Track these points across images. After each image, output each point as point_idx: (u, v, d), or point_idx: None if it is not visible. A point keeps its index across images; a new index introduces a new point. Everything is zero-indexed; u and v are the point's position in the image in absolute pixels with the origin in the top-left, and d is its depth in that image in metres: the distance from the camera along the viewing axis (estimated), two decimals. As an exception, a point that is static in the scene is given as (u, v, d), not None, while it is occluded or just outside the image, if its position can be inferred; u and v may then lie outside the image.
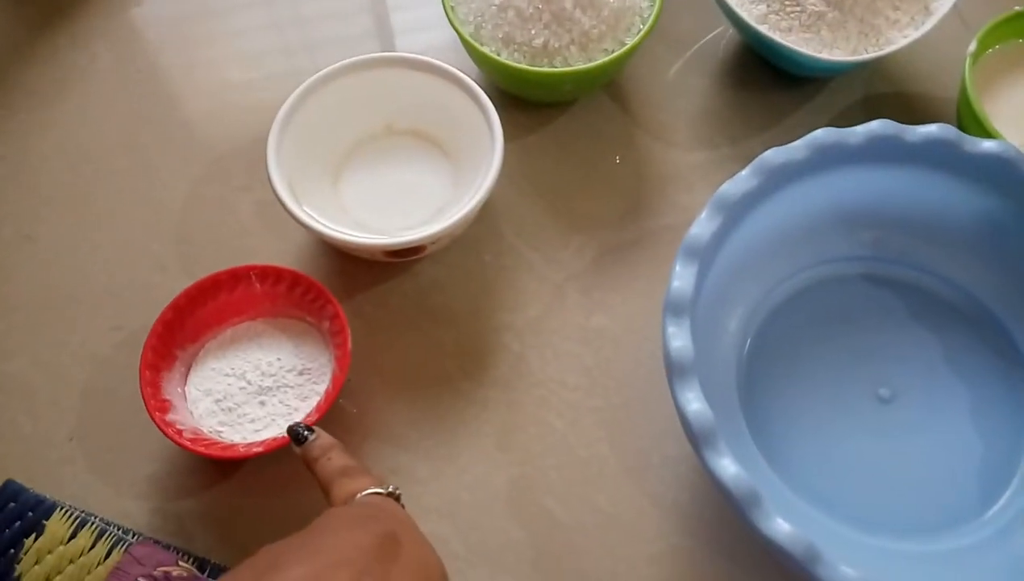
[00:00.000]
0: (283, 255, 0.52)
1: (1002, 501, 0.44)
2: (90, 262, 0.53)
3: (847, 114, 0.57)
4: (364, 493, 0.34)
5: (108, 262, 0.53)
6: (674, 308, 0.42)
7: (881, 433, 0.46)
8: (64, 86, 0.60)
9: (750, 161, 0.45)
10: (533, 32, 0.51)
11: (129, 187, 0.56)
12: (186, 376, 0.47)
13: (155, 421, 0.43)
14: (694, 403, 0.39)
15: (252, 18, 0.65)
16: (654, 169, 0.55)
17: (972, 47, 0.51)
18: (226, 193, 0.55)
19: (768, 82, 0.58)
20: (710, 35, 0.60)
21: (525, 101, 0.57)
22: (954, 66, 0.53)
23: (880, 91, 0.58)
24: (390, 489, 0.34)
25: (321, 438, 0.37)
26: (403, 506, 0.35)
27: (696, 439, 0.39)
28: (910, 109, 0.57)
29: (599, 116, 0.57)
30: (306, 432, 0.38)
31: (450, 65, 0.51)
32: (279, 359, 0.47)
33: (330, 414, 0.44)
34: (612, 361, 0.50)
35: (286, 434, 0.39)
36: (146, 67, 0.61)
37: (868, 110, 0.57)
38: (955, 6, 0.53)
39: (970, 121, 0.50)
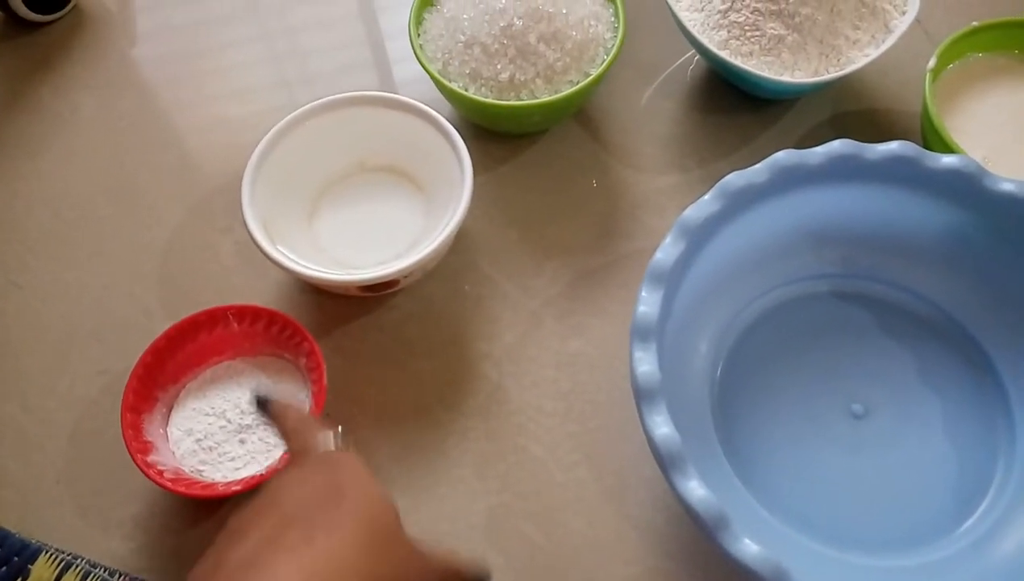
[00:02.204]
0: (263, 293, 0.53)
1: (976, 515, 0.44)
2: (76, 307, 0.54)
3: (815, 133, 0.57)
4: (317, 450, 0.35)
5: (93, 307, 0.54)
6: (640, 333, 0.42)
7: (855, 449, 0.47)
8: (47, 136, 0.61)
9: None
10: (499, 67, 0.52)
11: (112, 232, 0.57)
12: (167, 417, 0.48)
13: (137, 463, 0.44)
14: (661, 427, 0.40)
15: (243, 54, 0.67)
16: (625, 194, 0.56)
17: (932, 63, 0.51)
18: (207, 234, 0.56)
19: (735, 105, 0.59)
20: (678, 61, 0.61)
21: (496, 132, 0.58)
22: (919, 80, 0.53)
23: (847, 109, 0.59)
24: (338, 441, 0.36)
25: (277, 402, 0.38)
26: (352, 450, 0.36)
27: (664, 463, 0.39)
28: (877, 125, 0.58)
29: (569, 144, 0.58)
30: (264, 393, 0.39)
31: (432, 97, 0.52)
32: (258, 396, 0.48)
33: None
34: (588, 385, 0.50)
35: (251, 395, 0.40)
36: (128, 114, 0.62)
37: (835, 128, 0.58)
38: (917, 21, 0.54)
39: (932, 136, 0.50)
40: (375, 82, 0.64)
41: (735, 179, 0.46)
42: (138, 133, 0.62)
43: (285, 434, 0.37)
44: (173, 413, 0.48)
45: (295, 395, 0.48)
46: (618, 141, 0.58)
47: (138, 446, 0.45)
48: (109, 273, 0.55)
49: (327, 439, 0.35)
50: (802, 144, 0.57)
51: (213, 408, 0.48)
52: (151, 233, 0.56)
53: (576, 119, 0.59)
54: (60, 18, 0.66)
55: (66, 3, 0.66)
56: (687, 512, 0.38)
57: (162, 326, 0.49)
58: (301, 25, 0.68)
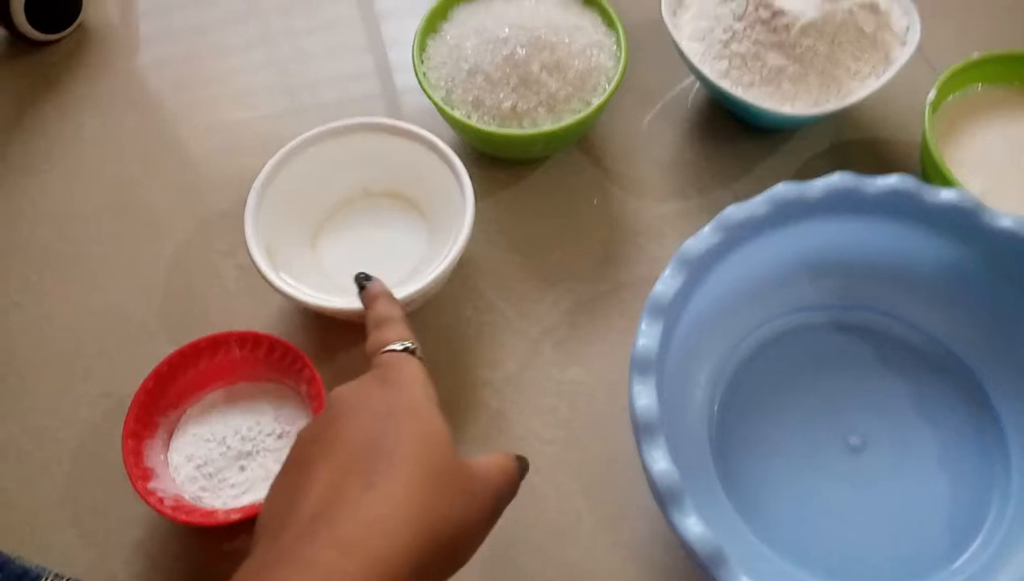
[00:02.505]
0: (265, 316, 0.54)
1: (971, 550, 0.44)
2: (79, 328, 0.54)
3: (814, 162, 0.58)
4: (383, 350, 0.37)
5: (97, 328, 0.54)
6: (640, 366, 0.43)
7: (852, 482, 0.47)
8: (52, 155, 0.62)
9: (719, 211, 0.46)
10: (502, 96, 0.52)
11: (116, 253, 0.57)
12: (168, 442, 0.48)
13: (137, 490, 0.44)
14: (660, 462, 0.40)
15: (251, 77, 0.67)
16: (626, 221, 0.57)
17: (931, 96, 0.52)
18: (211, 256, 0.56)
19: (736, 133, 0.59)
20: (678, 87, 0.62)
21: (499, 158, 0.58)
22: (919, 110, 0.53)
23: (847, 138, 0.59)
24: (406, 345, 0.37)
25: (374, 285, 0.42)
26: (420, 359, 0.37)
27: (662, 499, 0.39)
28: (877, 155, 0.58)
29: (572, 170, 0.59)
30: (364, 281, 0.42)
31: (436, 121, 0.52)
32: (258, 423, 0.48)
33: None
34: (588, 414, 0.50)
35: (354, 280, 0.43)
36: (131, 133, 0.63)
37: (835, 158, 0.58)
38: (919, 49, 0.54)
39: (932, 169, 0.51)
40: (382, 107, 0.64)
41: (735, 212, 0.47)
42: (142, 152, 0.62)
43: (367, 321, 0.40)
44: (174, 438, 0.48)
45: (295, 422, 0.48)
46: (620, 167, 0.59)
47: (139, 472, 0.45)
48: (112, 294, 0.56)
49: (398, 345, 0.37)
50: (802, 173, 0.58)
51: (214, 434, 0.48)
52: (154, 254, 0.57)
53: (578, 145, 0.60)
54: (65, 36, 0.67)
55: (71, 21, 0.66)
56: (685, 549, 0.39)
57: (164, 348, 0.50)
58: (309, 51, 0.68)
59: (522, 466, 0.38)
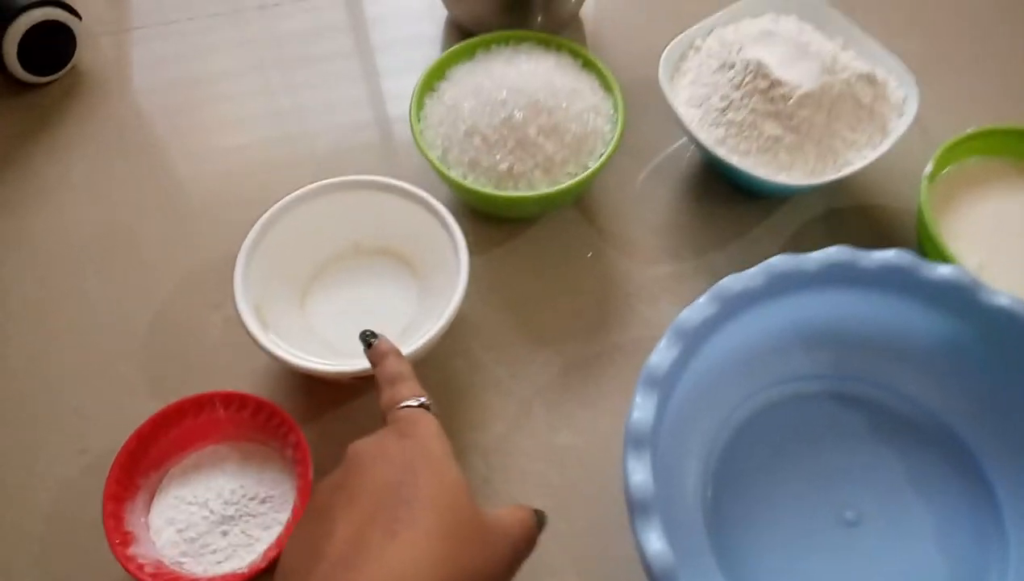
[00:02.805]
0: (251, 373, 0.53)
1: (967, 632, 0.44)
2: (57, 382, 0.53)
3: (809, 228, 0.58)
4: (400, 406, 0.38)
5: (75, 382, 0.53)
6: (635, 440, 0.42)
7: (848, 558, 0.46)
8: (38, 200, 0.61)
9: (713, 274, 0.46)
10: (499, 157, 0.52)
11: (98, 304, 0.56)
12: (149, 504, 0.47)
13: (116, 555, 0.43)
14: (655, 544, 0.39)
15: (247, 130, 0.66)
16: (620, 282, 0.56)
17: (928, 169, 0.52)
18: (197, 310, 0.55)
19: (731, 195, 0.59)
20: (673, 146, 0.62)
21: (493, 216, 0.58)
22: (915, 178, 0.53)
23: (843, 205, 0.59)
24: (421, 401, 0.38)
25: (381, 344, 0.42)
26: (434, 413, 0.38)
27: (656, 581, 0.39)
28: (873, 223, 0.58)
29: (566, 229, 0.58)
30: (371, 338, 0.42)
31: (433, 178, 0.51)
32: (242, 486, 0.47)
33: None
34: (578, 480, 0.50)
35: (359, 339, 0.43)
36: (120, 182, 0.62)
37: (830, 224, 0.58)
38: (916, 120, 0.54)
39: (928, 242, 0.51)
40: (381, 158, 0.64)
41: (731, 283, 0.46)
42: (129, 202, 0.61)
43: (379, 381, 0.40)
44: (155, 501, 0.47)
45: (279, 485, 0.47)
46: (614, 228, 0.59)
47: (119, 537, 0.44)
48: (93, 347, 0.54)
49: (413, 401, 0.38)
50: (797, 238, 0.58)
51: (196, 497, 0.47)
52: (138, 306, 0.56)
53: (574, 204, 0.59)
54: (57, 79, 0.66)
55: (64, 65, 0.65)
56: (679, 635, 0.38)
57: (146, 404, 0.49)
58: (308, 103, 0.68)
59: (540, 520, 0.38)
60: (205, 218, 0.60)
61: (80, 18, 0.65)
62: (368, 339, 0.42)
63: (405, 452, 0.34)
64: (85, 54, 0.68)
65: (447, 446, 0.36)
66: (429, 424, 0.37)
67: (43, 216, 0.60)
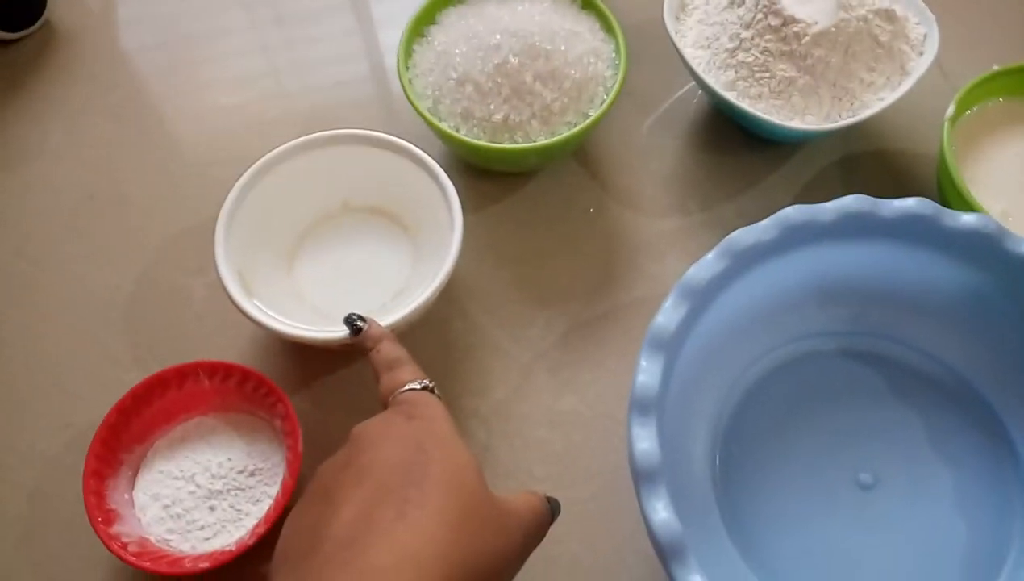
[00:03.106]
0: (237, 340, 0.50)
1: (990, 597, 0.42)
2: (38, 355, 0.51)
3: (824, 176, 0.55)
4: (402, 390, 0.37)
5: (56, 355, 0.51)
6: (640, 406, 0.39)
7: (863, 523, 0.44)
8: (12, 164, 0.58)
9: (723, 228, 0.44)
10: (493, 107, 0.49)
11: (78, 272, 0.53)
12: (133, 480, 0.45)
13: (99, 535, 0.41)
14: (661, 513, 0.37)
15: (235, 87, 0.63)
16: (624, 238, 0.53)
17: (950, 111, 0.48)
18: (178, 277, 0.53)
19: (741, 143, 0.56)
20: (679, 92, 0.58)
21: (489, 170, 0.55)
22: (935, 120, 0.50)
23: (859, 150, 0.56)
24: (425, 383, 0.37)
25: (372, 328, 0.40)
26: (438, 396, 0.37)
27: (663, 552, 0.36)
28: (890, 168, 0.55)
29: (566, 183, 0.55)
30: (359, 323, 0.40)
31: (427, 127, 0.49)
32: (230, 459, 0.45)
33: (283, 520, 0.42)
34: (582, 447, 0.47)
35: (344, 324, 0.41)
36: (100, 143, 0.59)
37: (846, 171, 0.55)
38: (935, 60, 0.51)
39: (950, 189, 0.48)
40: (377, 112, 0.61)
41: (742, 236, 0.43)
42: (111, 165, 0.58)
43: (376, 369, 0.39)
44: (140, 476, 0.45)
45: (269, 457, 0.45)
46: (617, 180, 0.55)
47: (101, 515, 0.42)
48: (74, 317, 0.52)
49: (416, 384, 0.37)
50: (811, 187, 0.55)
51: (182, 471, 0.45)
52: (119, 274, 0.53)
53: (573, 156, 0.56)
54: (30, 35, 0.63)
55: (36, 19, 0.62)
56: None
57: (129, 376, 0.46)
58: (303, 57, 0.64)
59: (552, 508, 0.37)
60: (193, 179, 0.57)
61: (49, -32, 0.62)
62: (354, 323, 0.41)
63: (413, 433, 0.33)
64: (58, 8, 0.64)
65: (455, 429, 0.35)
66: (435, 406, 0.36)
67: (19, 181, 0.57)
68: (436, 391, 0.38)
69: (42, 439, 0.48)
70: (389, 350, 0.39)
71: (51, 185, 0.57)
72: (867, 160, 0.55)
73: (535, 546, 0.35)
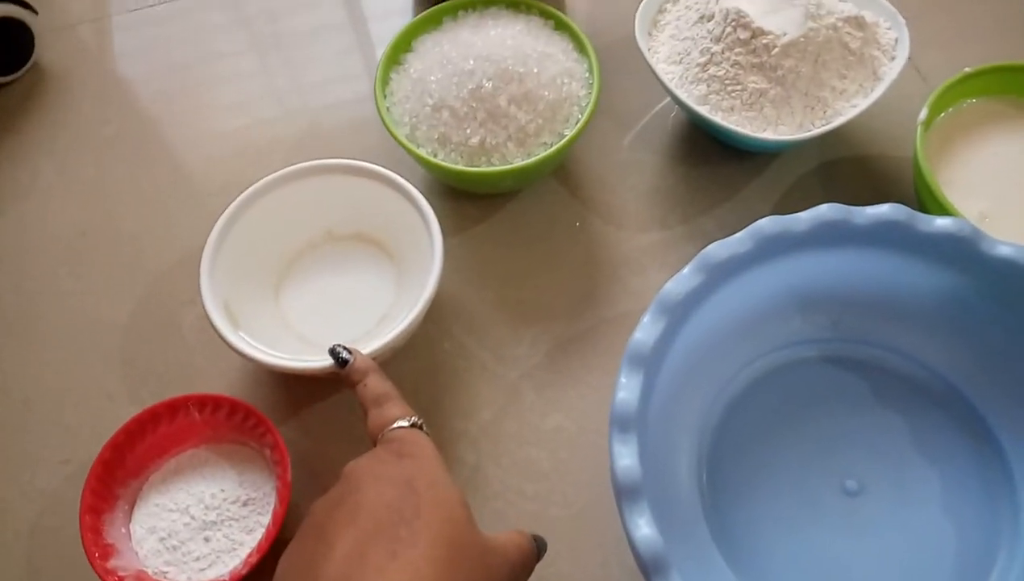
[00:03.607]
0: (227, 371, 0.51)
1: (979, 601, 0.42)
2: (37, 391, 0.52)
3: (803, 183, 0.55)
4: (391, 428, 0.37)
5: (54, 390, 0.52)
6: (620, 423, 0.40)
7: (850, 530, 0.44)
8: (5, 203, 0.59)
9: (704, 239, 0.44)
10: (469, 131, 0.49)
11: (74, 308, 0.55)
12: (130, 514, 0.46)
13: (96, 570, 0.42)
14: (643, 528, 0.37)
15: (220, 120, 0.64)
16: (606, 253, 0.54)
17: (923, 114, 0.49)
18: (171, 309, 0.54)
19: (719, 155, 0.56)
20: (656, 107, 0.59)
21: (471, 192, 0.56)
22: (912, 123, 0.50)
23: (837, 156, 0.56)
24: (413, 420, 0.38)
25: (357, 361, 0.41)
26: (426, 432, 0.38)
27: (645, 568, 0.37)
28: (869, 173, 0.55)
29: (547, 201, 0.56)
30: (344, 355, 0.41)
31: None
32: (223, 490, 0.45)
33: (275, 549, 0.42)
34: (569, 464, 0.48)
35: (328, 355, 0.41)
36: (88, 180, 0.60)
37: (824, 178, 0.55)
38: (909, 60, 0.51)
39: (926, 193, 0.48)
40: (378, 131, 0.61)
41: (717, 250, 0.44)
42: (100, 200, 0.59)
43: (364, 404, 0.39)
44: (136, 509, 0.46)
45: (260, 487, 0.46)
46: (598, 196, 0.56)
47: (98, 550, 0.43)
48: (71, 352, 0.53)
49: (404, 421, 0.37)
50: (789, 195, 0.55)
51: (176, 504, 0.45)
52: (113, 307, 0.54)
53: (553, 174, 0.57)
54: (18, 78, 0.64)
55: (24, 63, 0.63)
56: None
57: (125, 409, 0.47)
58: (294, 85, 0.65)
59: (539, 547, 0.38)
60: (183, 210, 0.58)
61: (36, 13, 0.63)
62: (339, 356, 0.41)
63: (404, 472, 0.34)
64: (45, 51, 0.66)
65: (444, 467, 0.35)
66: (425, 445, 0.36)
67: (12, 220, 0.58)
68: (424, 427, 0.38)
69: (42, 474, 0.49)
70: (376, 385, 0.39)
71: (44, 223, 0.58)
72: (846, 166, 0.56)
73: None
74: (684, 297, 0.43)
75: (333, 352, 0.41)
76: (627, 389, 0.41)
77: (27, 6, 0.62)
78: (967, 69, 0.50)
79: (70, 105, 0.64)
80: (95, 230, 0.58)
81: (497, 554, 0.34)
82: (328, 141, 0.61)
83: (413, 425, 0.38)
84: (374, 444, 0.38)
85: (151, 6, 0.70)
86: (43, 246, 0.57)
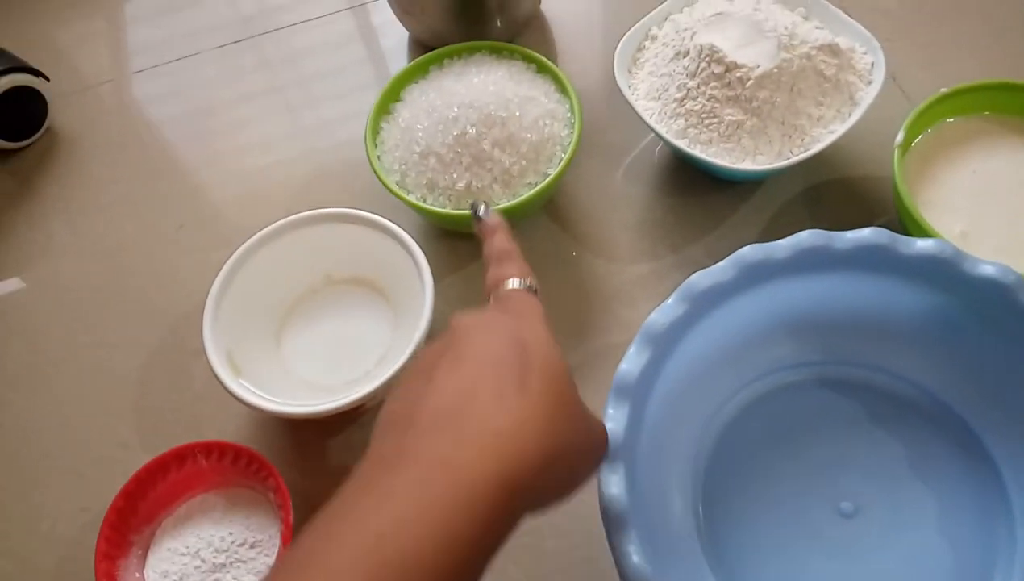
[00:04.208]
0: (236, 418, 0.53)
1: (976, 621, 0.42)
2: (55, 444, 0.54)
3: (789, 208, 0.56)
4: (505, 287, 0.37)
5: (72, 442, 0.54)
6: (608, 453, 0.41)
7: (846, 553, 0.45)
8: (22, 266, 0.62)
9: (693, 268, 0.45)
10: (455, 176, 0.51)
11: (89, 362, 0.57)
12: (144, 559, 0.47)
13: (111, 615, 0.44)
14: (632, 557, 0.38)
15: (226, 182, 0.66)
16: (597, 286, 0.55)
17: (899, 138, 0.49)
18: (181, 359, 0.56)
19: (705, 185, 0.57)
20: (643, 142, 0.60)
21: (463, 232, 0.57)
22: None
23: (821, 180, 0.57)
24: (528, 283, 0.38)
25: (492, 218, 0.41)
26: (537, 297, 0.38)
27: (635, 599, 0.38)
28: (855, 195, 0.56)
29: (539, 237, 0.57)
30: (481, 211, 0.41)
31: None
32: (231, 533, 0.47)
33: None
34: (567, 496, 0.49)
35: (469, 209, 0.42)
36: (101, 239, 0.63)
37: (809, 202, 0.56)
38: (892, 79, 0.52)
39: (906, 215, 0.48)
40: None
41: (699, 280, 0.45)
42: (111, 256, 0.62)
43: (487, 259, 0.39)
44: (150, 554, 0.48)
45: (267, 529, 0.47)
46: (588, 230, 0.57)
47: (113, 597, 0.44)
48: (86, 405, 0.55)
49: (518, 281, 0.37)
50: (776, 220, 0.56)
51: (188, 547, 0.47)
52: (126, 361, 0.56)
53: (545, 210, 0.58)
54: (33, 143, 0.67)
55: (38, 128, 0.67)
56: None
57: (138, 458, 0.49)
58: (306, 125, 0.68)
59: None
60: (190, 263, 0.61)
61: (48, 79, 0.66)
62: (477, 211, 0.42)
63: (514, 328, 0.33)
64: (58, 115, 0.69)
65: (552, 332, 0.35)
66: (536, 307, 0.36)
67: (31, 282, 0.61)
68: (538, 292, 0.38)
69: (62, 522, 0.51)
70: (501, 243, 0.40)
71: (59, 282, 0.61)
72: (831, 189, 0.56)
73: (598, 466, 0.36)
74: (668, 327, 0.44)
75: (473, 206, 0.42)
76: (614, 420, 0.42)
77: (38, 73, 0.65)
78: (943, 89, 0.51)
79: (82, 167, 0.67)
80: (107, 286, 0.60)
81: (593, 424, 0.34)
82: (329, 184, 0.63)
83: (528, 288, 0.37)
84: (487, 300, 0.38)
85: (155, 66, 0.73)
86: (59, 304, 0.60)
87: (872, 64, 0.52)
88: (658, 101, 0.53)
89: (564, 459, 0.31)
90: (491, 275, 0.38)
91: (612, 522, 0.39)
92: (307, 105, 0.69)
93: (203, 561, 0.47)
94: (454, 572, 0.27)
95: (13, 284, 0.61)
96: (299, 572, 0.27)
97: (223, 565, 0.46)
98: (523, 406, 0.30)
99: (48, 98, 0.66)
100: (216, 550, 0.47)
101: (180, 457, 0.48)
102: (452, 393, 0.30)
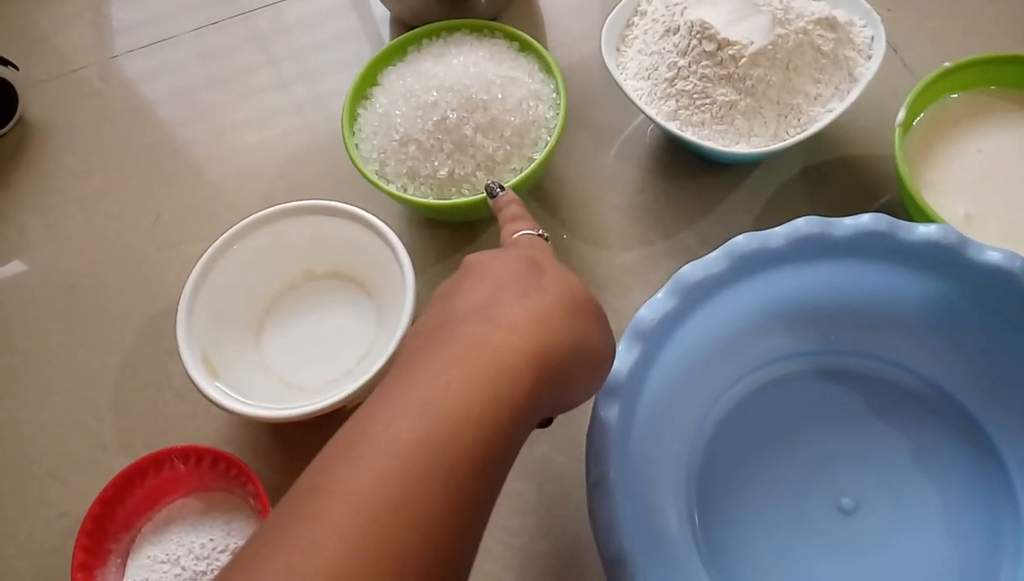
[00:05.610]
0: (214, 419, 0.51)
1: (980, 621, 0.41)
2: (32, 447, 0.53)
3: (786, 191, 0.53)
4: (519, 233, 0.39)
5: (50, 445, 0.53)
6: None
7: (847, 549, 0.43)
8: (-2, 262, 0.60)
9: (686, 255, 0.44)
10: (436, 164, 0.49)
11: (66, 363, 0.55)
12: (123, 567, 0.46)
13: (88, 627, 0.42)
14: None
15: (206, 168, 0.64)
16: (588, 274, 0.53)
17: (900, 116, 0.47)
18: (158, 359, 0.54)
19: (699, 167, 0.55)
20: (634, 122, 0.58)
21: (447, 221, 0.55)
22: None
23: (820, 160, 0.54)
24: (539, 232, 0.40)
25: (506, 195, 0.43)
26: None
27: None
28: (854, 175, 0.54)
29: (527, 224, 0.55)
30: (497, 190, 0.43)
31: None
32: (211, 540, 0.46)
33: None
34: (556, 496, 0.47)
35: (484, 190, 0.44)
36: (75, 233, 0.61)
37: (808, 182, 0.54)
38: (893, 50, 0.49)
39: (907, 197, 0.46)
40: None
41: (691, 272, 0.43)
42: (86, 252, 0.60)
43: (501, 221, 0.41)
44: (129, 562, 0.46)
45: (247, 534, 0.46)
46: (578, 215, 0.55)
47: (91, 608, 0.43)
48: (64, 406, 0.54)
49: (530, 231, 0.39)
50: (772, 204, 0.54)
51: (168, 555, 0.46)
52: (102, 360, 0.55)
53: (533, 194, 0.56)
54: (4, 134, 0.65)
55: (9, 118, 0.64)
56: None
57: (117, 461, 0.48)
58: (283, 111, 0.66)
59: None
60: (167, 259, 0.59)
61: (18, 69, 0.64)
62: (493, 192, 0.43)
63: (528, 257, 0.35)
64: (30, 105, 0.66)
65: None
66: (547, 248, 0.38)
67: (5, 279, 0.59)
68: (549, 241, 0.40)
69: (40, 529, 0.50)
70: (515, 209, 0.42)
71: (34, 279, 0.59)
72: (831, 169, 0.54)
73: (608, 373, 0.36)
74: (658, 322, 0.42)
75: (488, 188, 0.43)
76: (602, 420, 0.40)
77: (7, 63, 0.63)
78: (947, 64, 0.48)
79: (56, 158, 0.64)
80: (82, 283, 0.58)
81: (608, 326, 0.35)
82: (310, 168, 0.61)
83: (540, 235, 0.39)
84: None
85: (135, 49, 0.71)
86: (34, 302, 0.58)
87: (872, 38, 0.50)
88: (648, 81, 0.50)
89: (589, 347, 0.33)
90: (506, 230, 0.40)
91: (599, 507, 0.38)
92: (281, 88, 0.67)
93: (183, 569, 0.45)
94: (499, 434, 0.28)
95: (-14, 281, 0.60)
96: (360, 441, 0.28)
97: (203, 572, 0.45)
98: (545, 301, 0.32)
99: (18, 88, 0.64)
100: (196, 557, 0.45)
101: (157, 462, 0.46)
102: (479, 297, 0.32)
